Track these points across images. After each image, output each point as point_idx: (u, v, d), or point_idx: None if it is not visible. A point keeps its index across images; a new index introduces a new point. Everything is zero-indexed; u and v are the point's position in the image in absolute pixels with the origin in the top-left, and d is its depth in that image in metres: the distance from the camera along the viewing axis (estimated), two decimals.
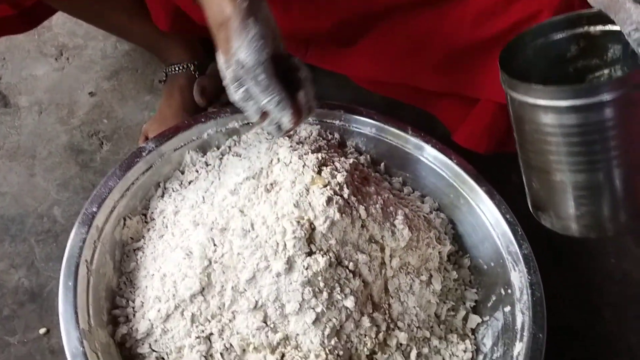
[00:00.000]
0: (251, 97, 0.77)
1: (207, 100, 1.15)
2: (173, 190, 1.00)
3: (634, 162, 0.76)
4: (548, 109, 0.73)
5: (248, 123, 1.06)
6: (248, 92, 0.77)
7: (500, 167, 1.19)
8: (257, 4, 0.75)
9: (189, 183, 1.00)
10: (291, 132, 0.83)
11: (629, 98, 0.71)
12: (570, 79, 0.84)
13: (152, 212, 0.98)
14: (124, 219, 0.95)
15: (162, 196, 1.00)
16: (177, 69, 1.19)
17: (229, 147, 1.05)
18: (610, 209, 0.78)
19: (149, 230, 0.96)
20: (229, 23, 0.74)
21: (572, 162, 0.76)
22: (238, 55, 0.74)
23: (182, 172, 1.02)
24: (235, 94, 0.78)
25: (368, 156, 1.09)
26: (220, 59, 0.77)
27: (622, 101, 0.71)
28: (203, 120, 1.04)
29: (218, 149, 1.05)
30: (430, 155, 1.04)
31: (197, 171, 1.02)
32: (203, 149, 1.04)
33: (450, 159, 1.02)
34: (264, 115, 0.79)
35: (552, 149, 0.76)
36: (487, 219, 0.97)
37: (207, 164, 1.03)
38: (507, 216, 0.95)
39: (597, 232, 0.81)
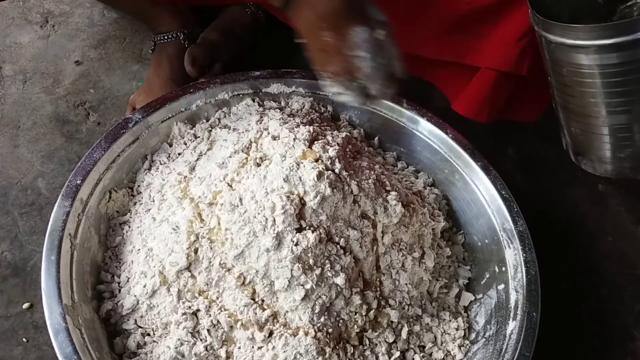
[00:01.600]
0: (387, 58, 0.77)
1: (199, 70, 1.12)
2: (160, 163, 0.97)
3: None
4: (589, 49, 0.72)
5: (239, 94, 1.03)
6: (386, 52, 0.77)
7: (497, 141, 1.17)
8: None
9: (177, 156, 0.98)
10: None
11: None
12: (600, 12, 0.83)
13: (139, 186, 0.96)
14: (110, 192, 0.92)
15: (149, 169, 0.97)
16: (166, 37, 1.16)
17: (218, 119, 1.02)
18: None
19: (135, 204, 0.94)
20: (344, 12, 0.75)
21: (613, 103, 0.75)
22: (377, 17, 0.76)
23: (170, 145, 1.00)
24: (380, 59, 0.77)
25: (362, 130, 1.06)
26: (364, 32, 0.76)
27: None
28: (192, 91, 1.01)
29: (207, 120, 1.02)
30: (425, 129, 1.01)
31: (185, 143, 0.99)
32: (192, 120, 1.01)
33: (446, 133, 0.99)
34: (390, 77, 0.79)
35: (592, 90, 0.75)
36: (482, 195, 0.95)
37: (195, 136, 1.00)
38: (503, 192, 0.93)
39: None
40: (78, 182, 0.87)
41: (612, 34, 0.70)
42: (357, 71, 0.77)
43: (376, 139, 1.06)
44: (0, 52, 1.21)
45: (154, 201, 0.92)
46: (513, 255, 0.89)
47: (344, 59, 0.77)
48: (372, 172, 0.91)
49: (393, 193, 0.89)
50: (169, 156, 0.98)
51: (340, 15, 0.76)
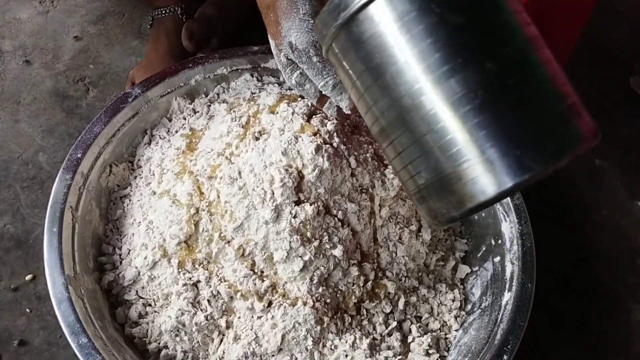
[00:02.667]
0: (307, 80, 0.74)
1: (196, 45, 1.12)
2: (160, 138, 0.98)
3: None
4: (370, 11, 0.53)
5: (237, 69, 1.04)
6: (303, 76, 0.74)
7: None
8: None
9: (176, 131, 0.98)
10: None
11: None
12: None
13: (139, 160, 0.97)
14: (110, 166, 0.93)
15: (149, 143, 0.98)
16: (163, 12, 1.16)
17: (217, 94, 1.03)
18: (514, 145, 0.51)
19: (135, 177, 0.95)
20: (276, 3, 0.70)
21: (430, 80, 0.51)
22: (289, 38, 0.70)
23: (169, 120, 1.01)
24: (289, 79, 0.75)
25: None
26: (271, 43, 0.73)
27: None
28: (190, 66, 1.02)
29: (206, 96, 1.03)
30: None
31: (184, 118, 1.00)
32: (191, 95, 1.02)
33: None
34: (323, 97, 0.75)
35: (394, 80, 0.53)
36: None
37: (194, 111, 1.01)
38: None
39: (490, 190, 0.52)
40: (79, 155, 0.88)
41: None
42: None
43: None
44: (0, 28, 1.21)
45: (154, 175, 0.93)
46: (509, 228, 0.90)
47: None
48: (370, 147, 0.92)
49: (390, 167, 0.90)
50: (169, 131, 0.99)
51: (262, 15, 0.74)
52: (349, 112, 0.75)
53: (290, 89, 1.01)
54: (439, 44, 0.51)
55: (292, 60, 0.71)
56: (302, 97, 0.94)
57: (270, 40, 0.73)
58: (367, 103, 0.57)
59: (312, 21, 0.68)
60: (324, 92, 0.73)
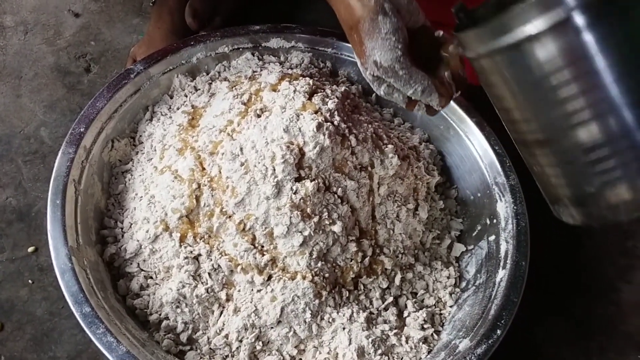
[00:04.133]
0: (395, 90, 0.77)
1: (199, 23, 1.12)
2: (161, 114, 0.99)
3: None
4: (513, 49, 0.58)
5: (238, 48, 1.05)
6: (390, 87, 0.76)
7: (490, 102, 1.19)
8: (386, 1, 0.72)
9: (177, 108, 0.99)
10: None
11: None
12: None
13: (141, 136, 0.98)
14: (112, 141, 0.94)
15: (151, 120, 0.99)
16: None
17: (219, 72, 1.04)
18: (636, 170, 0.58)
19: (137, 153, 0.96)
20: (359, 25, 0.72)
21: (565, 114, 0.59)
22: (373, 57, 0.73)
23: (171, 97, 1.01)
24: (378, 90, 0.77)
25: (360, 86, 1.08)
26: (358, 61, 0.76)
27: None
28: (192, 43, 1.02)
29: (207, 73, 1.04)
30: None
31: (185, 95, 1.01)
32: (192, 73, 1.03)
33: None
34: (410, 103, 0.79)
35: (537, 104, 0.61)
36: (475, 150, 0.98)
37: (196, 89, 1.02)
38: (496, 147, 0.95)
39: (626, 210, 0.60)
40: (81, 130, 0.89)
41: (539, 12, 0.55)
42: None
43: (374, 95, 1.08)
44: (1, 3, 1.21)
45: (155, 151, 0.94)
46: (504, 208, 0.92)
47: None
48: (370, 126, 0.93)
49: (390, 146, 0.92)
50: (170, 107, 1.00)
51: (346, 34, 0.77)
52: (439, 109, 0.79)
53: (292, 68, 1.02)
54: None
55: (378, 77, 0.75)
56: (304, 76, 0.95)
57: (356, 59, 0.77)
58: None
59: (393, 39, 0.71)
60: (414, 98, 0.77)
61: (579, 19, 0.55)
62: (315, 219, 0.83)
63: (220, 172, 0.85)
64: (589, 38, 0.55)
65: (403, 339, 0.84)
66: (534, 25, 0.57)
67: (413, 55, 0.74)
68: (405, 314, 0.88)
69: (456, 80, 0.77)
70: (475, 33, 0.63)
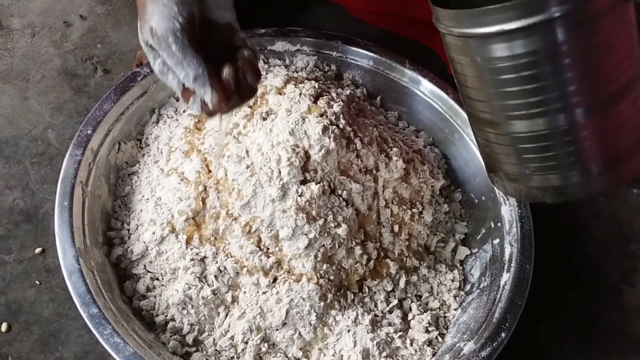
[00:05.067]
0: (170, 70, 0.68)
1: None
2: (168, 117, 1.00)
3: (595, 99, 0.65)
4: (497, 37, 0.63)
5: None
6: (165, 65, 0.68)
7: None
8: None
9: (184, 111, 1.00)
10: (226, 114, 0.72)
11: (582, 15, 0.62)
12: None
13: (147, 138, 0.98)
14: (119, 143, 0.95)
15: (157, 122, 1.00)
16: None
17: None
18: (568, 163, 0.69)
19: (143, 155, 0.96)
20: None
21: (519, 105, 0.66)
22: (150, 22, 0.66)
23: (177, 99, 1.02)
24: (153, 66, 0.69)
25: (364, 89, 1.08)
26: (137, 24, 0.69)
27: (575, 18, 0.62)
28: None
29: None
30: (426, 89, 1.03)
31: None
32: None
33: (447, 93, 1.01)
34: (187, 90, 0.69)
35: (496, 91, 0.67)
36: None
37: None
38: None
39: (553, 194, 0.72)
40: (89, 132, 0.90)
41: (518, 14, 0.60)
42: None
43: (378, 98, 1.09)
44: (9, 6, 1.22)
45: (162, 153, 0.95)
46: (509, 212, 0.92)
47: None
48: (375, 129, 0.94)
49: (395, 149, 0.92)
50: (176, 110, 1.01)
51: None
52: (214, 107, 0.69)
53: (297, 71, 1.03)
54: None
55: (152, 46, 0.68)
56: (309, 79, 0.96)
57: (137, 21, 0.69)
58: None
59: (175, 9, 0.65)
60: (186, 85, 0.68)
61: (559, 25, 0.61)
62: (321, 222, 0.83)
63: (226, 175, 0.86)
64: (560, 44, 0.62)
65: (407, 341, 0.84)
66: (513, 24, 0.62)
67: (199, 43, 0.67)
68: (410, 316, 0.88)
69: (241, 85, 0.69)
70: (455, 14, 0.66)
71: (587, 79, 0.65)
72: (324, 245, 0.84)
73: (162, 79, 0.70)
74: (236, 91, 0.69)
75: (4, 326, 0.89)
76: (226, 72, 0.68)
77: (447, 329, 0.89)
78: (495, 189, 0.92)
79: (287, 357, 0.83)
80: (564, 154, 0.69)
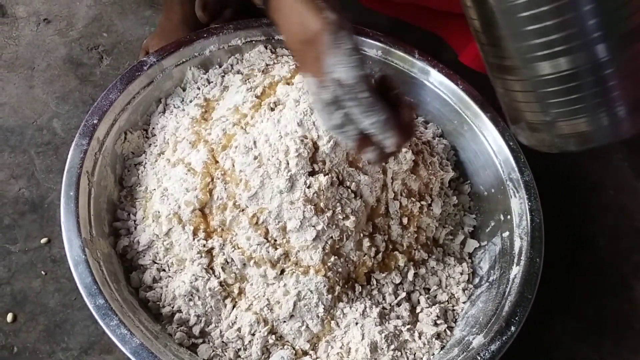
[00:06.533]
0: (350, 121, 0.66)
1: (209, 16, 1.12)
2: (174, 107, 0.99)
3: (618, 34, 0.62)
4: None
5: (251, 41, 1.04)
6: (347, 116, 0.66)
7: None
8: (345, 17, 0.65)
9: (190, 101, 0.99)
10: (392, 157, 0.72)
11: None
12: None
13: (153, 128, 0.97)
14: (125, 133, 0.94)
15: (164, 112, 0.99)
16: None
17: (231, 65, 1.03)
18: (593, 106, 0.64)
19: (150, 145, 0.96)
20: (318, 39, 0.64)
21: (538, 45, 0.63)
22: (335, 74, 0.64)
23: (183, 89, 1.01)
24: (331, 120, 0.67)
25: (373, 80, 1.07)
26: (310, 82, 0.67)
27: None
28: (205, 36, 1.02)
29: (220, 66, 1.03)
30: (436, 80, 1.02)
31: (198, 88, 1.00)
32: (205, 66, 1.03)
33: (457, 84, 1.00)
34: (363, 141, 0.68)
35: (513, 32, 0.64)
36: (489, 145, 0.97)
37: (208, 82, 1.01)
38: (511, 143, 0.95)
39: (578, 141, 0.68)
40: (95, 121, 0.89)
41: None
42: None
43: None
44: None
45: (168, 143, 0.94)
46: (519, 204, 0.91)
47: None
48: None
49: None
50: (183, 100, 1.00)
51: (294, 52, 0.69)
52: (395, 148, 0.68)
53: None
54: None
55: (338, 98, 0.65)
56: None
57: (307, 80, 0.67)
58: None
59: (357, 56, 0.64)
60: (371, 130, 0.66)
61: None
62: (329, 214, 0.82)
63: (233, 166, 0.85)
64: None
65: (416, 334, 0.84)
66: None
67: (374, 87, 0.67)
68: (418, 309, 0.87)
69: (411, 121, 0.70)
70: None
71: (608, 12, 0.61)
72: (332, 237, 0.83)
73: (336, 133, 0.69)
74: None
75: (10, 316, 0.89)
76: (406, 113, 0.68)
77: (455, 322, 0.88)
78: (505, 182, 0.91)
79: (294, 349, 0.82)
80: (588, 95, 0.65)
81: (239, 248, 0.84)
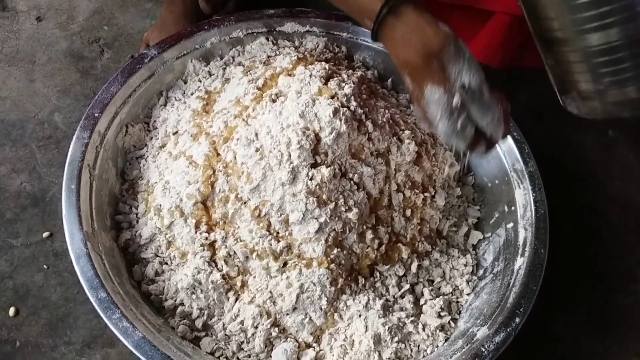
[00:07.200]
0: (470, 122, 0.72)
1: (212, 7, 1.11)
2: (175, 100, 0.98)
3: None
4: None
5: (253, 32, 1.03)
6: (467, 119, 0.72)
7: (509, 87, 1.18)
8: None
9: (191, 93, 0.99)
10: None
11: None
12: None
13: (155, 121, 0.97)
14: (126, 126, 0.94)
15: (165, 105, 0.98)
16: None
17: (232, 57, 1.03)
18: (638, 74, 0.68)
19: (151, 138, 0.95)
20: (444, 50, 0.69)
21: (590, 17, 0.66)
22: (461, 80, 0.70)
23: (185, 82, 1.01)
24: (455, 124, 0.72)
25: (375, 71, 1.07)
26: (436, 90, 0.70)
27: None
28: (206, 28, 1.01)
29: (221, 58, 1.03)
30: None
31: (199, 80, 1.00)
32: (206, 58, 1.02)
33: None
34: (477, 138, 0.73)
35: (566, 5, 0.67)
36: None
37: (210, 74, 1.01)
38: (515, 134, 0.94)
39: (631, 107, 0.71)
40: (96, 114, 0.89)
41: None
42: (432, 126, 0.73)
43: (389, 80, 1.07)
44: None
45: (169, 136, 0.93)
46: (523, 195, 0.90)
47: (421, 109, 0.73)
48: (387, 111, 0.92)
49: (407, 132, 0.90)
50: (184, 93, 0.99)
51: (416, 68, 0.72)
52: (499, 140, 0.75)
53: (306, 53, 1.01)
54: None
55: (464, 102, 0.70)
56: (319, 61, 0.94)
57: (431, 90, 0.71)
58: None
59: (476, 60, 0.70)
60: (488, 128, 0.73)
61: None
62: (331, 206, 0.82)
63: (235, 158, 0.85)
64: None
65: (420, 326, 0.83)
66: None
67: None
68: (422, 301, 0.87)
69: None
70: None
71: None
72: (334, 229, 0.82)
73: (455, 136, 0.73)
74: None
75: (12, 310, 0.89)
76: (506, 107, 0.74)
77: (459, 314, 0.87)
78: (509, 173, 0.90)
79: (297, 342, 0.82)
80: (637, 64, 0.68)
81: (241, 241, 0.83)
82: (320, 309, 0.81)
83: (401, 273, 0.87)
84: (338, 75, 0.92)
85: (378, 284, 0.86)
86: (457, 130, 0.72)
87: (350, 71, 0.97)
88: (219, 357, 0.80)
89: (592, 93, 0.73)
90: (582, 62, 0.71)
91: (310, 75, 0.88)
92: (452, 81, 0.70)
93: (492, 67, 1.05)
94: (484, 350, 0.77)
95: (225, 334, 0.81)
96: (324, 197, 0.82)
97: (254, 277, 0.83)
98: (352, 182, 0.85)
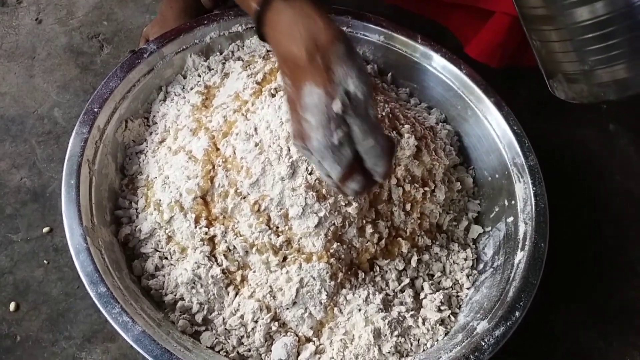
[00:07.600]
0: (348, 141, 0.62)
1: (214, 1, 1.11)
2: (175, 95, 0.98)
3: None
4: None
5: (252, 27, 1.03)
6: (346, 137, 0.62)
7: (509, 82, 1.17)
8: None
9: (191, 88, 0.99)
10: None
11: None
12: None
13: (154, 116, 0.97)
14: (126, 121, 0.94)
15: (164, 100, 0.98)
16: None
17: (232, 52, 1.02)
18: (631, 51, 0.63)
19: (151, 133, 0.95)
20: (332, 47, 0.61)
21: None
22: (345, 86, 0.61)
23: (184, 77, 1.01)
24: (330, 136, 0.62)
25: (375, 66, 1.06)
26: (314, 93, 0.61)
27: None
28: (205, 22, 1.01)
29: (221, 53, 1.02)
30: (439, 65, 1.01)
31: (199, 75, 1.00)
32: (205, 52, 1.02)
33: (460, 69, 0.99)
34: (352, 167, 0.64)
35: None
36: (494, 130, 0.96)
37: (209, 69, 1.01)
38: (515, 128, 0.94)
39: (617, 89, 0.67)
40: (95, 109, 0.89)
41: None
42: (307, 139, 0.64)
43: (389, 74, 1.07)
44: None
45: (169, 131, 0.93)
46: (523, 189, 0.90)
47: (296, 117, 0.64)
48: (387, 105, 0.92)
49: (406, 126, 0.90)
50: (184, 88, 0.99)
51: (297, 64, 0.63)
52: (380, 180, 0.67)
53: None
54: None
55: (343, 113, 0.61)
56: None
57: (310, 90, 0.62)
58: None
59: (367, 72, 0.63)
60: (367, 155, 0.64)
61: None
62: (331, 200, 0.82)
63: (234, 153, 0.84)
64: None
65: (420, 320, 0.83)
66: None
67: None
68: (422, 295, 0.87)
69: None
70: None
71: None
72: (334, 223, 0.82)
73: (328, 160, 0.64)
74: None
75: (12, 305, 0.89)
76: (395, 142, 0.67)
77: (459, 308, 0.87)
78: (509, 167, 0.90)
79: (297, 336, 0.82)
80: (625, 40, 0.64)
81: (241, 235, 0.83)
82: (320, 303, 0.81)
83: (401, 267, 0.87)
84: None
85: (378, 278, 0.86)
86: (333, 146, 0.62)
87: None
88: (219, 352, 0.80)
89: (578, 74, 0.69)
90: (567, 41, 0.67)
91: None
92: (336, 83, 0.61)
93: (492, 67, 1.05)
94: (484, 344, 0.77)
95: (225, 329, 0.81)
96: (324, 191, 0.82)
97: (254, 271, 0.83)
98: None
